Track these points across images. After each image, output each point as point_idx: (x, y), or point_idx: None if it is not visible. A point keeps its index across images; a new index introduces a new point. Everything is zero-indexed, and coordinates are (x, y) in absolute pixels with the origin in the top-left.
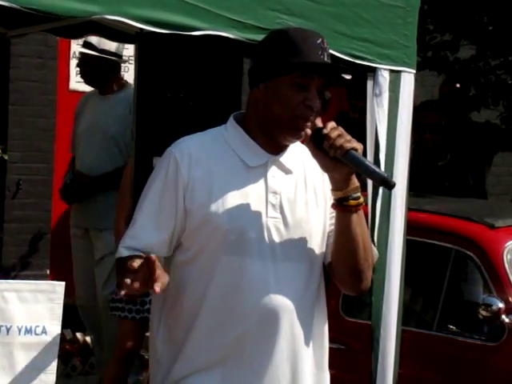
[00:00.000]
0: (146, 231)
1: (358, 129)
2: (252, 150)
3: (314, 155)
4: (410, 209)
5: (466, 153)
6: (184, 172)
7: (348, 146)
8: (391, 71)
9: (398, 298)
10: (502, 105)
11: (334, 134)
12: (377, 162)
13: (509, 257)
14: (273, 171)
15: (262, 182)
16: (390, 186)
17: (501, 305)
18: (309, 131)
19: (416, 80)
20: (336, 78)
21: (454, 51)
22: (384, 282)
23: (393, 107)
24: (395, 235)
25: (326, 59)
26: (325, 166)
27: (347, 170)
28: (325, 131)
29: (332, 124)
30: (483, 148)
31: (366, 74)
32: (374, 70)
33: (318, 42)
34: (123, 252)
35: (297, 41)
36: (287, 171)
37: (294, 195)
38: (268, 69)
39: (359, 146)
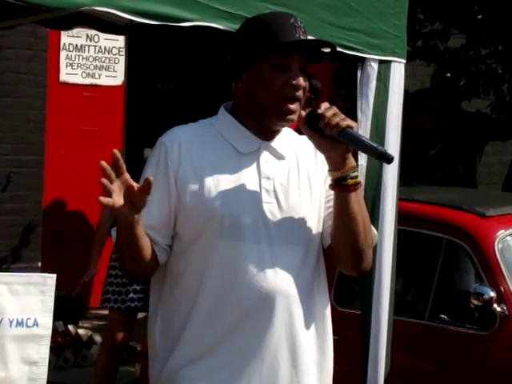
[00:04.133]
0: (143, 220)
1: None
2: (243, 137)
3: (310, 137)
4: (400, 198)
5: (457, 142)
6: (174, 160)
7: (344, 123)
8: (381, 61)
9: (390, 288)
10: (493, 94)
11: (329, 113)
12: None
13: (500, 246)
14: (265, 157)
15: (254, 167)
16: (388, 159)
17: (492, 294)
18: (303, 113)
19: (407, 70)
20: (316, 54)
21: (444, 40)
22: (375, 272)
23: (383, 97)
24: (386, 225)
25: (301, 37)
26: (321, 147)
27: (344, 148)
28: (319, 111)
29: (326, 104)
30: (474, 137)
31: (356, 64)
32: (363, 60)
33: (291, 21)
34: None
35: (269, 24)
36: (279, 157)
37: (287, 180)
38: (247, 58)
39: (354, 124)
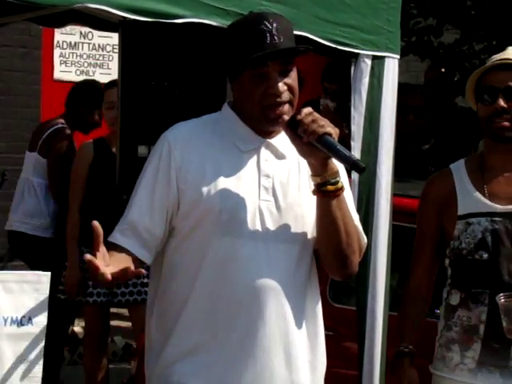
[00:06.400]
0: (142, 216)
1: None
2: (245, 135)
3: (292, 141)
4: (395, 194)
5: (451, 138)
6: (177, 155)
7: (321, 131)
8: (374, 57)
9: (385, 283)
10: None
11: (307, 120)
12: (348, 148)
13: None
14: (265, 155)
15: (254, 165)
16: (360, 169)
17: None
18: (286, 117)
19: (400, 66)
20: (292, 53)
21: (437, 36)
22: (369, 267)
23: (376, 93)
24: (380, 221)
25: (275, 40)
26: (302, 152)
27: (323, 155)
28: (298, 117)
29: (307, 110)
30: (468, 133)
31: (349, 59)
32: (357, 56)
33: (261, 26)
34: (118, 237)
35: (244, 34)
36: (280, 155)
37: (286, 179)
38: (227, 70)
39: (333, 131)
